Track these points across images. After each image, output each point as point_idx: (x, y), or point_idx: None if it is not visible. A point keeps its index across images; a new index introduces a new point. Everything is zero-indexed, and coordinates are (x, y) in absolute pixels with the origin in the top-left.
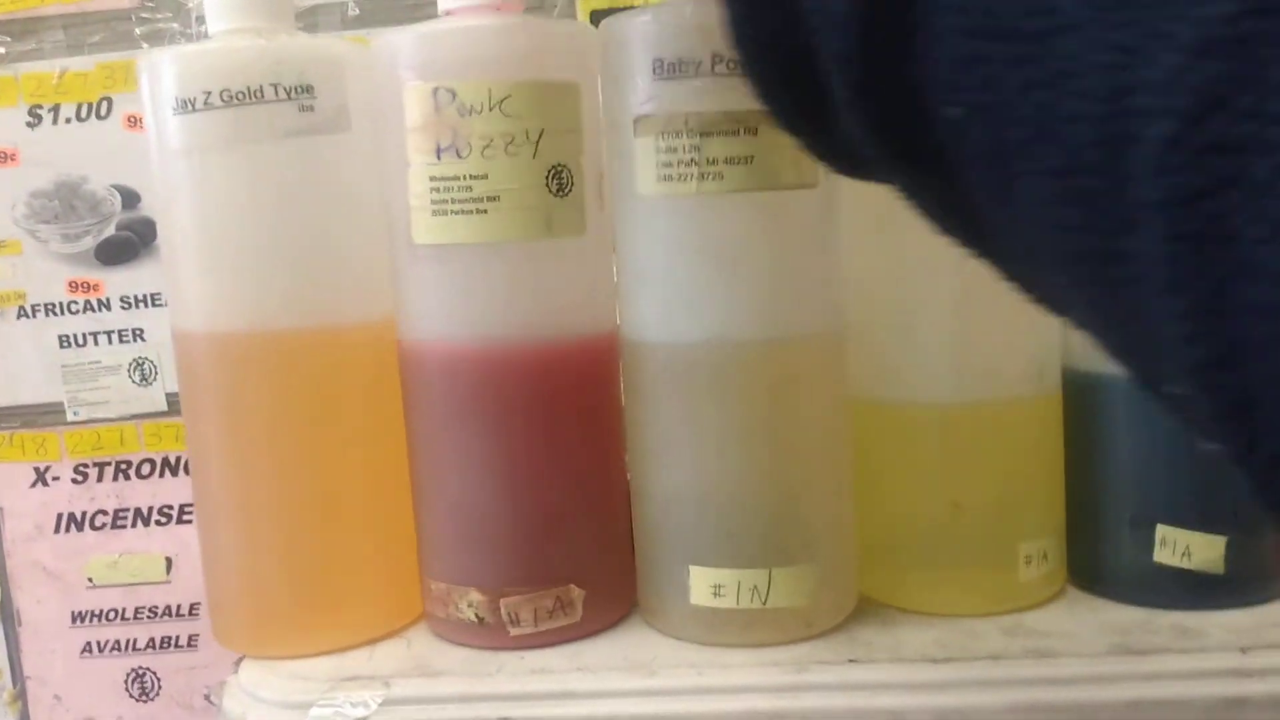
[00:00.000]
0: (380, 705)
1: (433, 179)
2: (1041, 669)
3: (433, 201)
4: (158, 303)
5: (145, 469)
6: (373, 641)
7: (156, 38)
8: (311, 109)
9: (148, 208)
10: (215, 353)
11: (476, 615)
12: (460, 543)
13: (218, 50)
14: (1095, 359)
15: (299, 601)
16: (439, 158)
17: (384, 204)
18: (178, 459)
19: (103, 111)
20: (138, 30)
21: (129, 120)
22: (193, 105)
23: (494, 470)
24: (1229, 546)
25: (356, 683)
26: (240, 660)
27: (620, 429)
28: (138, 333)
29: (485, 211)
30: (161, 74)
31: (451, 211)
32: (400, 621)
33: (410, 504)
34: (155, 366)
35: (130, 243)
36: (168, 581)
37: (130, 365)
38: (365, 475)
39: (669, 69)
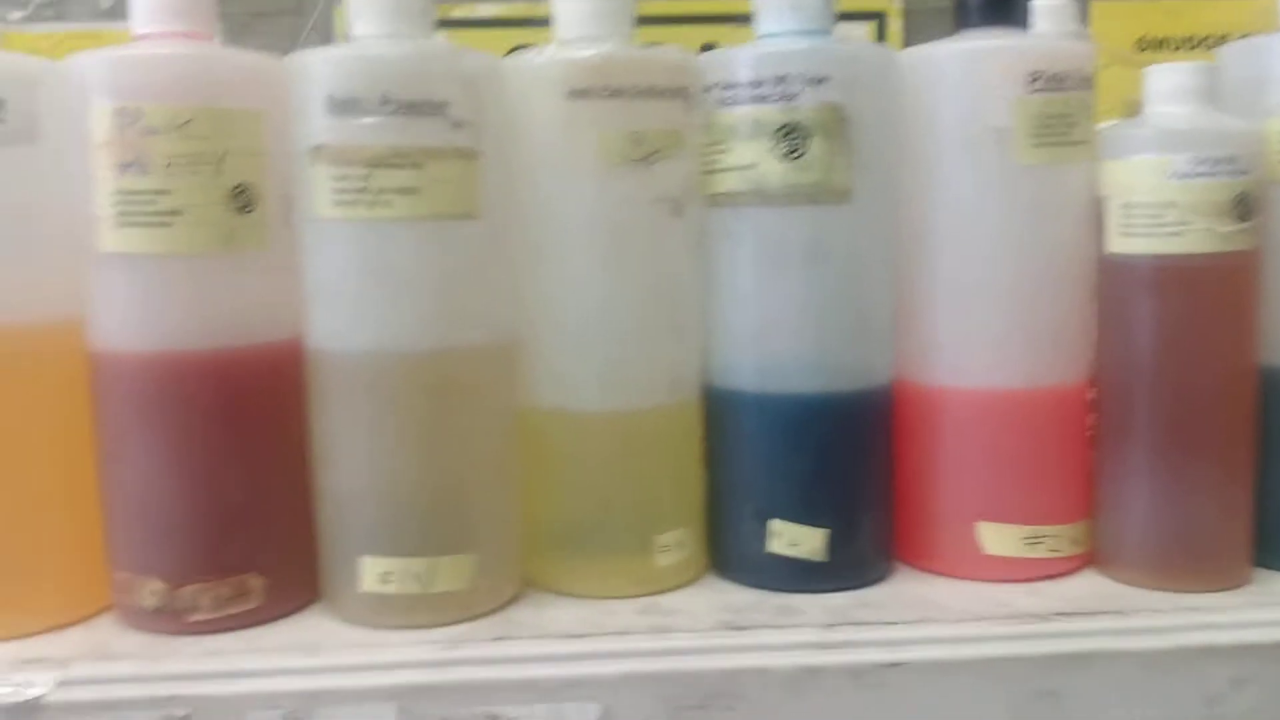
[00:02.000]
0: (57, 685)
1: (117, 192)
2: (657, 642)
3: (117, 213)
4: None
5: None
6: (58, 628)
7: None
8: (2, 120)
9: None
10: None
11: (158, 603)
12: (143, 535)
13: None
14: (727, 375)
15: None
16: (123, 173)
17: (72, 213)
18: None
19: None
20: None
21: None
22: None
23: (174, 468)
24: (830, 538)
25: (36, 664)
26: None
27: (304, 429)
28: None
29: (168, 225)
30: None
31: (135, 224)
32: (86, 610)
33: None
34: None
35: None
36: None
37: None
38: (52, 469)
39: (341, 105)
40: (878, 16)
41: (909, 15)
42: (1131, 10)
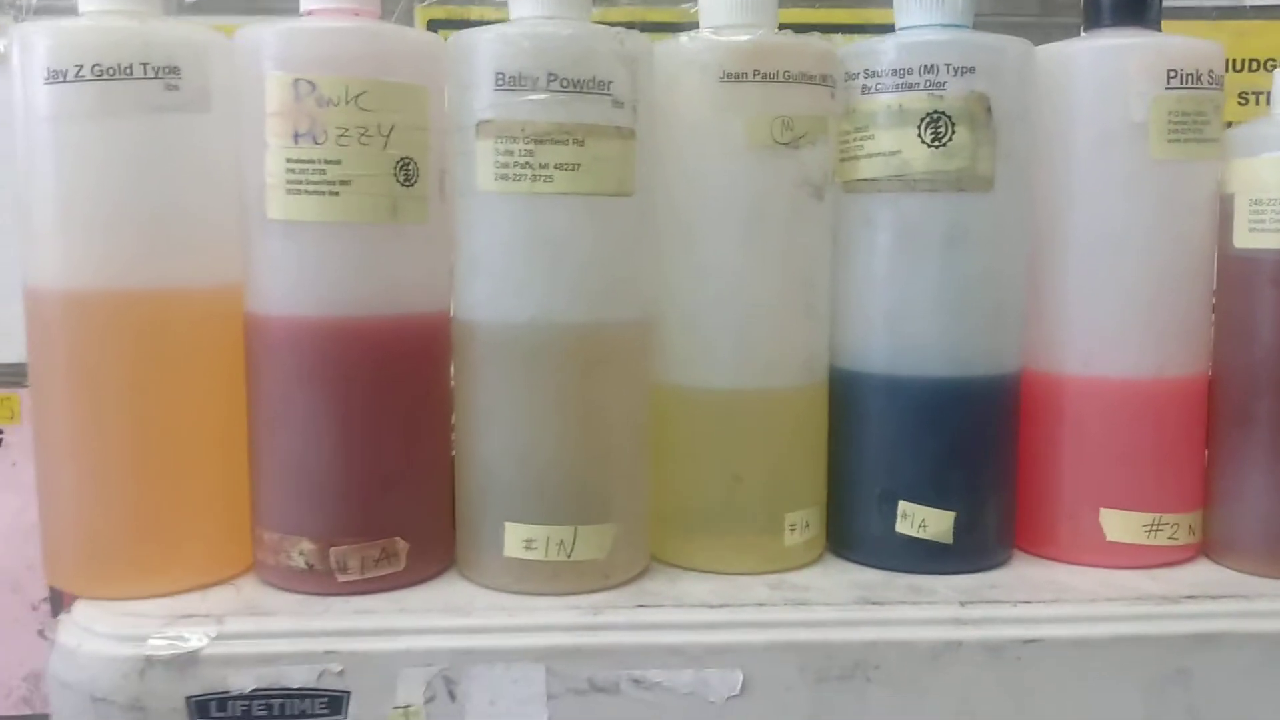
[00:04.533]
0: (213, 639)
1: (289, 161)
2: (797, 614)
3: (288, 181)
4: None
5: None
6: (203, 587)
7: None
8: (176, 88)
9: None
10: (68, 308)
11: (307, 563)
12: (294, 496)
13: (91, 28)
14: (857, 358)
15: (134, 547)
16: (296, 142)
17: (240, 180)
18: None
19: None
20: None
21: None
22: (64, 76)
23: (330, 431)
24: (957, 521)
25: (190, 620)
26: (73, 601)
27: (448, 399)
28: None
29: (337, 194)
30: (34, 45)
31: (305, 192)
32: (229, 571)
33: (245, 460)
34: None
35: None
36: None
37: None
38: (203, 430)
39: (509, 81)
40: None
41: (977, 28)
42: (1194, 31)
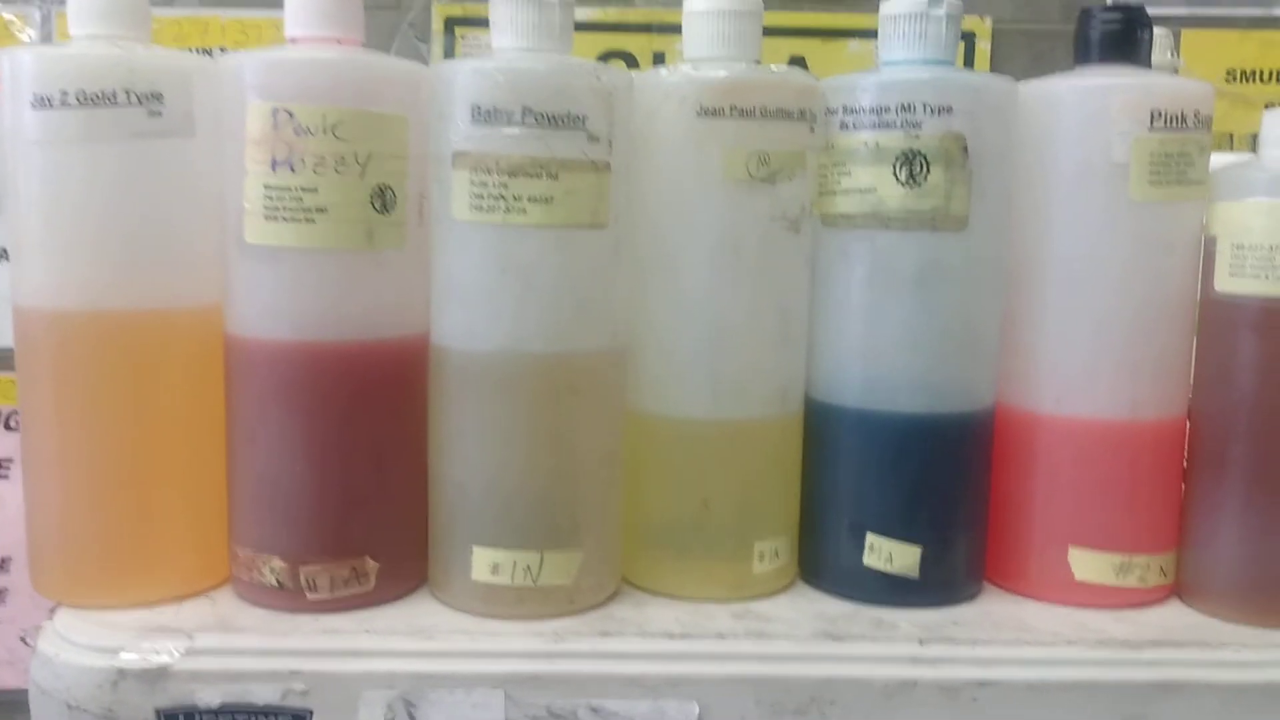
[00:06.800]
0: (183, 655)
1: (266, 187)
2: (756, 646)
3: (265, 208)
4: None
5: None
6: (180, 599)
7: None
8: (160, 114)
9: None
10: (51, 328)
11: (277, 580)
12: (267, 514)
13: (76, 55)
14: (831, 391)
15: (113, 558)
16: (274, 169)
17: (220, 204)
18: None
19: None
20: None
21: None
22: (50, 102)
23: (302, 452)
24: (924, 555)
25: (163, 633)
26: (55, 608)
27: (423, 422)
28: None
29: (313, 221)
30: (22, 70)
31: (282, 218)
32: (206, 583)
33: (224, 476)
34: None
35: None
36: None
37: None
38: (182, 446)
39: (485, 115)
40: (966, 37)
41: (997, 35)
42: (1223, 40)
